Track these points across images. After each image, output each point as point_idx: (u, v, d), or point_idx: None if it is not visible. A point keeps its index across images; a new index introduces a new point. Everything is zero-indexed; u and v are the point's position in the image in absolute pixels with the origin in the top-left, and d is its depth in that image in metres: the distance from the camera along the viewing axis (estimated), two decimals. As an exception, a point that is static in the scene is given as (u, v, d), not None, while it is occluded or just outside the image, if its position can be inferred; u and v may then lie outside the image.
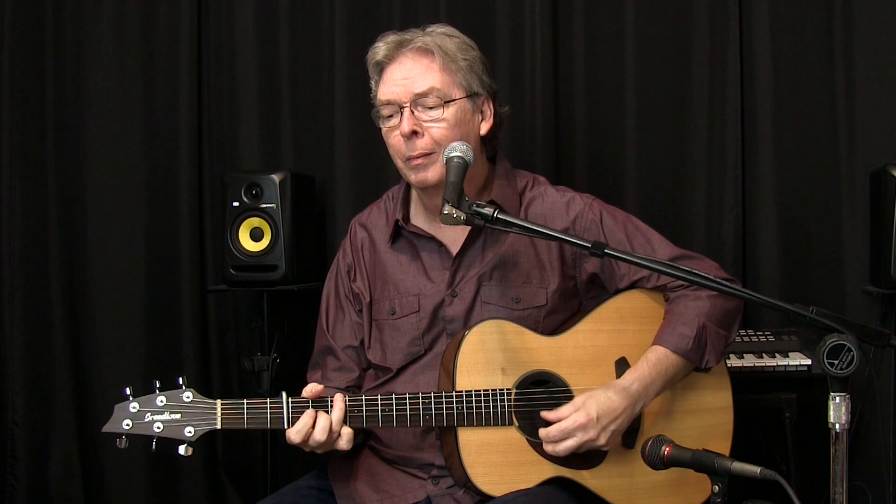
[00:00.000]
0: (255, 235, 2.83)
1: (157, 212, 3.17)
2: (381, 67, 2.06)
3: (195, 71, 3.16)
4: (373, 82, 2.11)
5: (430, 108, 2.01)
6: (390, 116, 2.04)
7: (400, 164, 2.05)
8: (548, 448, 1.91)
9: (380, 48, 2.06)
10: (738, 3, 2.96)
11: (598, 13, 3.03)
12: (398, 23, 3.06)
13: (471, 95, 2.05)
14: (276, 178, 2.83)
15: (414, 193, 2.18)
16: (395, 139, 2.03)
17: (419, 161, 2.01)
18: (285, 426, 1.88)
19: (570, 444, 1.89)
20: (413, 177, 2.04)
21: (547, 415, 1.93)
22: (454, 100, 2.02)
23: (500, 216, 1.82)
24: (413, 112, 2.00)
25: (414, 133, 1.99)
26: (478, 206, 1.83)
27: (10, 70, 3.18)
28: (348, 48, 3.07)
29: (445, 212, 1.81)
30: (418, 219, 2.15)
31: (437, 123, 2.00)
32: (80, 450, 3.17)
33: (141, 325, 3.16)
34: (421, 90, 2.00)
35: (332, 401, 1.89)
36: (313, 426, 1.87)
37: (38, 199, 3.19)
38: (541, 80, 2.98)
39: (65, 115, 3.19)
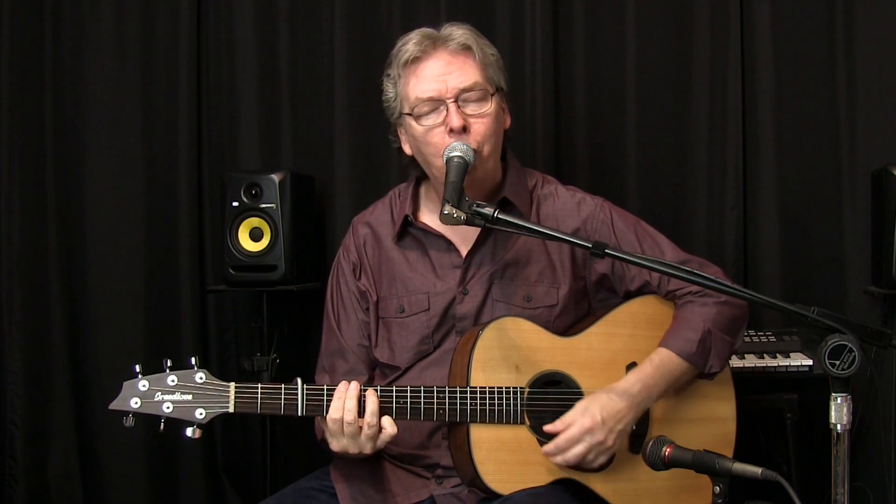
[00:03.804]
0: (255, 235, 2.83)
1: (156, 212, 3.17)
2: (413, 64, 2.02)
3: (195, 71, 3.16)
4: (392, 83, 2.06)
5: (475, 101, 1.99)
6: (429, 113, 2.00)
7: (440, 162, 1.96)
8: (557, 459, 1.91)
9: (411, 46, 2.02)
10: (738, 2, 2.96)
11: (598, 12, 3.03)
12: (398, 23, 3.06)
13: (498, 90, 2.06)
14: (275, 177, 2.83)
15: (423, 192, 2.17)
16: (437, 136, 1.99)
17: None
18: (299, 413, 1.86)
19: (578, 450, 1.89)
20: None
21: (551, 427, 1.92)
22: (493, 94, 2.02)
23: (500, 216, 1.81)
24: (458, 107, 1.98)
25: (463, 129, 1.96)
26: (478, 205, 1.82)
27: (9, 70, 3.17)
28: (348, 48, 3.07)
29: (446, 212, 1.80)
30: (426, 216, 2.14)
31: (481, 119, 1.99)
32: (79, 451, 3.16)
33: (140, 325, 3.15)
34: (466, 84, 1.98)
35: (364, 393, 1.87)
36: (362, 409, 1.85)
37: (37, 200, 3.18)
38: (541, 79, 2.98)
39: (64, 114, 3.19)
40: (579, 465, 1.93)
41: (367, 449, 1.89)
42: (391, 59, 2.08)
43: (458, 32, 2.03)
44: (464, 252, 2.08)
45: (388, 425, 1.88)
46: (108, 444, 3.14)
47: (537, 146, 2.98)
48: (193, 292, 3.14)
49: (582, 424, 1.89)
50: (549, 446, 1.91)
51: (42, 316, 3.18)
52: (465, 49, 2.02)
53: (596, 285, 2.12)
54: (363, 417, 1.86)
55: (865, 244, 2.85)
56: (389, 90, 2.08)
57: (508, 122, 2.12)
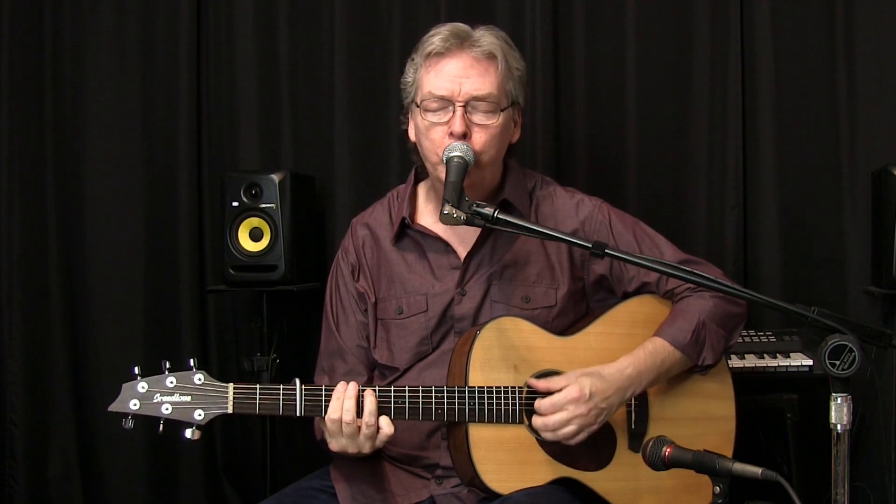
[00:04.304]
0: (255, 235, 2.83)
1: (156, 212, 3.17)
2: (435, 58, 2.01)
3: (194, 71, 3.15)
4: (413, 69, 2.06)
5: (483, 112, 1.98)
6: (436, 110, 2.00)
7: (435, 159, 1.99)
8: (537, 422, 1.90)
9: (437, 40, 2.01)
10: (739, 2, 2.96)
11: (598, 13, 3.03)
12: (398, 23, 3.06)
13: (513, 104, 2.06)
14: (275, 177, 2.82)
15: (421, 193, 2.18)
16: (436, 133, 1.99)
17: None
18: (297, 413, 1.87)
19: (561, 417, 1.89)
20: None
21: (536, 383, 1.93)
22: (504, 109, 2.02)
23: (500, 216, 1.82)
24: (465, 112, 1.97)
25: (464, 135, 1.96)
26: (478, 206, 1.82)
27: (8, 70, 3.17)
28: (348, 48, 3.07)
29: (445, 212, 1.80)
30: (424, 218, 2.14)
31: (484, 129, 1.98)
32: (79, 451, 3.16)
33: (140, 325, 3.15)
34: (480, 93, 1.98)
35: (363, 393, 1.88)
36: (360, 409, 1.85)
37: (37, 200, 3.18)
38: (541, 80, 2.97)
39: (64, 115, 3.18)
40: (559, 442, 1.92)
41: (366, 448, 1.89)
42: (418, 46, 2.07)
43: (488, 39, 2.02)
44: (462, 253, 2.08)
45: (385, 425, 1.88)
46: (107, 444, 3.14)
47: (537, 146, 2.97)
48: (193, 292, 3.14)
49: (568, 393, 1.89)
50: (536, 404, 1.90)
51: (42, 316, 3.18)
52: (490, 57, 2.01)
53: (594, 286, 2.12)
54: (361, 417, 1.86)
55: (865, 244, 2.85)
56: (409, 74, 2.08)
57: (517, 136, 2.11)
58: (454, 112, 1.97)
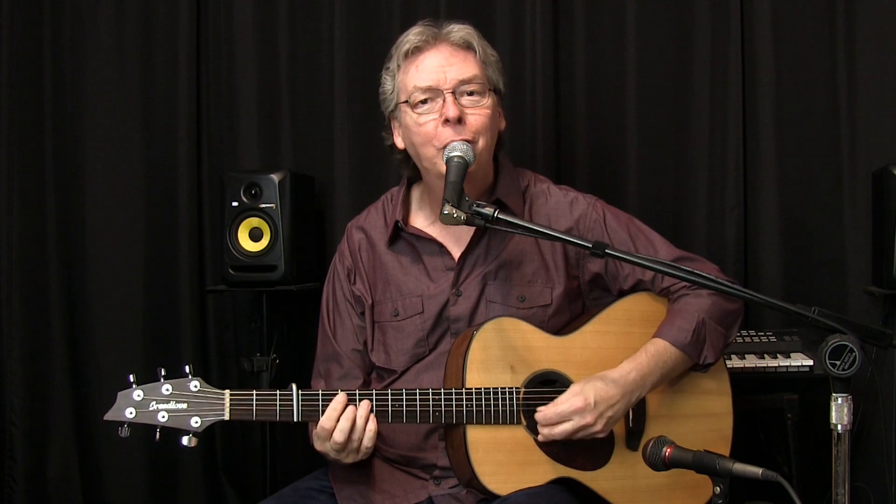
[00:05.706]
0: (255, 235, 2.83)
1: (155, 212, 3.17)
2: (413, 55, 2.04)
3: (194, 70, 3.15)
4: (391, 76, 2.08)
5: (471, 94, 2.01)
6: (424, 102, 2.01)
7: (432, 151, 2.00)
8: (543, 431, 1.90)
9: (413, 37, 2.04)
10: (739, 2, 2.95)
11: (598, 12, 3.03)
12: (398, 23, 3.06)
13: (496, 91, 2.08)
14: (275, 177, 2.82)
15: (415, 195, 2.18)
16: (429, 126, 2.00)
17: None
18: (294, 419, 1.87)
19: (566, 427, 1.89)
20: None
21: (543, 409, 1.92)
22: (490, 90, 2.05)
23: (500, 216, 1.81)
24: (455, 98, 1.99)
25: (459, 120, 1.97)
26: (478, 205, 1.82)
27: (8, 69, 3.17)
28: (348, 48, 3.07)
29: (445, 212, 1.80)
30: (418, 220, 2.15)
31: (478, 111, 2.00)
32: (78, 451, 3.16)
33: (140, 325, 3.15)
34: (466, 76, 2.00)
35: (360, 396, 1.89)
36: (353, 420, 1.86)
37: (36, 200, 3.18)
38: (541, 80, 2.97)
39: (63, 114, 3.18)
40: (558, 441, 1.92)
41: (350, 459, 1.92)
42: (391, 53, 2.09)
43: (460, 29, 2.06)
44: (456, 254, 2.09)
45: (369, 440, 1.88)
46: (107, 445, 3.14)
47: (537, 146, 2.97)
48: (193, 292, 3.13)
49: (573, 403, 1.89)
50: (539, 414, 1.90)
51: (41, 316, 3.18)
52: (467, 46, 2.04)
53: (589, 284, 2.13)
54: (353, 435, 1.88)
55: (866, 244, 2.85)
56: (387, 83, 2.09)
57: (503, 124, 2.13)
58: (444, 101, 1.98)
